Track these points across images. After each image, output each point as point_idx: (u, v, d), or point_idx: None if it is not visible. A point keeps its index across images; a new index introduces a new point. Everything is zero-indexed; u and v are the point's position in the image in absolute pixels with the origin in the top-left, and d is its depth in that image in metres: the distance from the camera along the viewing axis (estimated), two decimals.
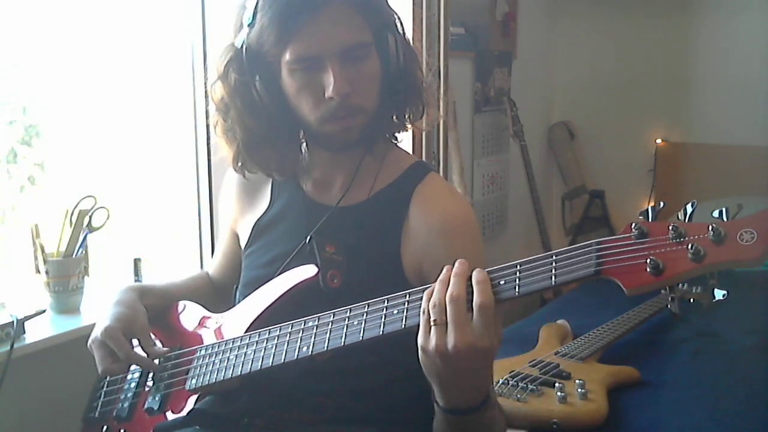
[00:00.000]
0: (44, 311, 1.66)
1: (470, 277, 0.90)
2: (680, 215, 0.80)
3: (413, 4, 2.37)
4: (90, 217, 1.72)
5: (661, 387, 1.84)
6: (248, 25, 1.13)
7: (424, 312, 0.90)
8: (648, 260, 0.78)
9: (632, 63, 3.61)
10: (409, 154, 1.33)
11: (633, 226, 0.80)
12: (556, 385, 1.70)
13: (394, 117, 1.22)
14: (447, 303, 0.88)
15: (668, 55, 3.55)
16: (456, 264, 0.92)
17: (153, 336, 1.27)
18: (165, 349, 1.24)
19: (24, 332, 1.58)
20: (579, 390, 1.68)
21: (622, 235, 0.81)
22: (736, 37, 3.35)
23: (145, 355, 1.21)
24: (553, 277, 0.84)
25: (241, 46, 1.13)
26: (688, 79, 3.54)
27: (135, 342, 1.22)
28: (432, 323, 0.89)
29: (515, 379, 1.74)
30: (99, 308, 1.69)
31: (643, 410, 1.73)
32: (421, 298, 0.92)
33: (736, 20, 3.34)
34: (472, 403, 0.95)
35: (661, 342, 2.17)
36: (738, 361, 2.02)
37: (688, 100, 3.55)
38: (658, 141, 3.61)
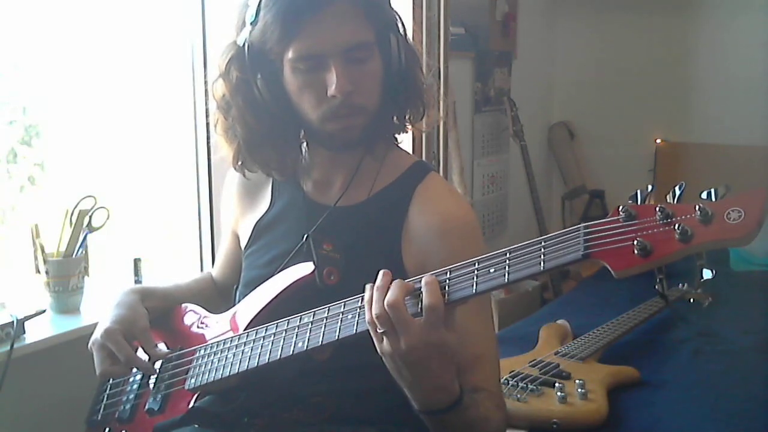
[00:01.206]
0: (44, 311, 1.66)
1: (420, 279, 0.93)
2: (669, 197, 0.80)
3: (413, 4, 2.37)
4: (90, 217, 1.72)
5: (661, 387, 1.84)
6: (251, 23, 1.13)
7: (369, 323, 0.93)
8: (635, 242, 0.77)
9: (632, 63, 3.61)
10: (409, 154, 1.33)
11: (620, 209, 0.80)
12: (556, 385, 1.70)
13: (395, 118, 1.22)
14: (389, 311, 0.91)
15: (668, 55, 3.55)
16: (380, 274, 0.95)
17: (155, 338, 1.28)
18: (166, 350, 1.24)
19: (24, 332, 1.58)
20: (579, 390, 1.68)
21: (609, 218, 0.81)
22: (736, 37, 3.35)
23: (146, 357, 1.21)
24: (543, 262, 0.84)
25: (244, 44, 1.14)
26: (688, 79, 3.54)
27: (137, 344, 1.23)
28: (382, 333, 0.92)
29: (515, 379, 1.74)
30: (99, 308, 1.70)
31: (643, 410, 1.72)
32: (416, 289, 0.93)
33: (736, 20, 3.34)
34: (442, 404, 0.97)
35: (661, 342, 2.17)
36: (738, 361, 2.02)
37: (688, 100, 3.55)
38: (658, 141, 3.61)
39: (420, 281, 0.93)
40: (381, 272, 0.95)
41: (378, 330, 0.92)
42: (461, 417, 0.99)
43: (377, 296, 0.93)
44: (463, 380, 1.03)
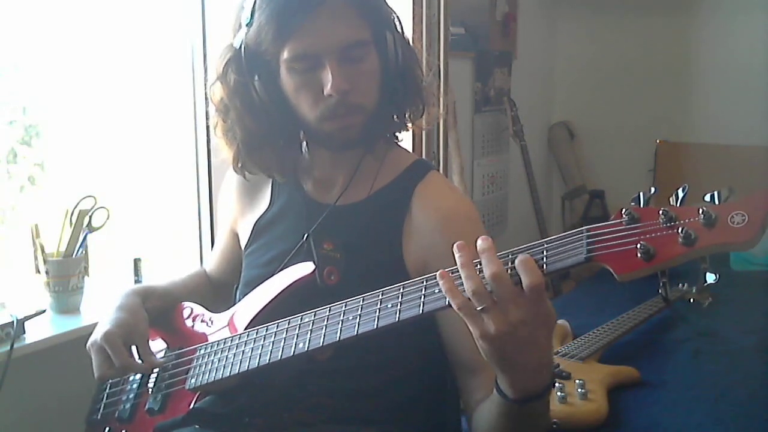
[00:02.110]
0: (44, 311, 1.66)
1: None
2: (672, 200, 0.80)
3: (413, 3, 2.37)
4: (90, 217, 1.72)
5: (661, 387, 1.84)
6: (246, 25, 1.13)
7: (460, 308, 0.84)
8: (638, 245, 0.77)
9: (632, 63, 3.61)
10: (409, 152, 1.33)
11: (623, 212, 0.80)
12: (556, 385, 1.70)
13: (394, 116, 1.22)
14: (492, 283, 0.83)
15: (668, 55, 3.55)
16: (479, 242, 0.86)
17: (157, 337, 1.28)
18: (161, 359, 1.24)
19: (24, 332, 1.58)
20: (579, 390, 1.68)
21: (612, 221, 0.81)
22: (736, 37, 3.35)
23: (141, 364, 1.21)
24: (545, 265, 0.84)
25: (240, 47, 1.13)
26: (688, 79, 3.53)
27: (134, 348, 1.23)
28: (481, 312, 0.83)
29: None
30: (99, 308, 1.70)
31: (643, 410, 1.72)
32: (418, 290, 0.90)
33: (737, 20, 3.34)
34: (542, 385, 0.90)
35: (661, 342, 2.17)
36: (738, 361, 2.02)
37: (688, 100, 3.55)
38: (658, 141, 3.61)
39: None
40: (457, 246, 0.86)
41: (477, 309, 0.83)
42: (546, 402, 0.94)
43: (468, 273, 0.84)
44: (481, 381, 1.03)
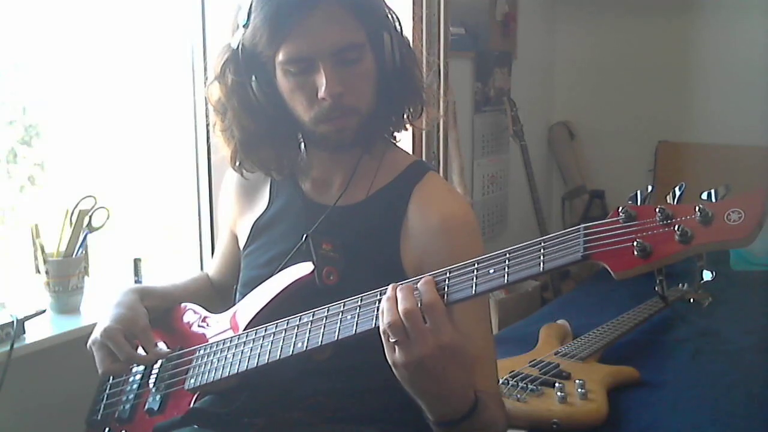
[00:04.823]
0: (44, 311, 1.66)
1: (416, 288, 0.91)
2: (669, 198, 0.80)
3: (413, 3, 2.37)
4: (90, 217, 1.72)
5: (661, 387, 1.84)
6: (243, 26, 1.13)
7: (383, 333, 0.90)
8: (635, 243, 0.77)
9: (632, 63, 3.61)
10: (407, 153, 1.33)
11: (620, 210, 0.80)
12: (556, 385, 1.70)
13: (392, 116, 1.22)
14: (402, 319, 0.89)
15: (668, 55, 3.55)
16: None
17: (155, 337, 1.28)
18: (166, 350, 1.24)
19: (24, 332, 1.58)
20: (579, 390, 1.68)
21: (609, 219, 0.81)
22: (736, 37, 3.35)
23: (145, 355, 1.21)
24: (542, 263, 0.84)
25: (237, 47, 1.14)
26: (688, 79, 3.53)
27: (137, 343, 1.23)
28: (394, 343, 0.89)
29: (515, 379, 1.74)
30: (99, 308, 1.69)
31: (643, 410, 1.72)
32: (416, 288, 0.92)
33: (737, 20, 3.34)
34: (460, 412, 0.95)
35: (661, 342, 2.17)
36: (738, 361, 2.02)
37: (688, 100, 3.55)
38: (658, 141, 3.61)
39: (417, 282, 0.92)
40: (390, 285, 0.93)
41: (390, 339, 0.90)
42: (475, 424, 0.97)
43: (388, 306, 0.90)
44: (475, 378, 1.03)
